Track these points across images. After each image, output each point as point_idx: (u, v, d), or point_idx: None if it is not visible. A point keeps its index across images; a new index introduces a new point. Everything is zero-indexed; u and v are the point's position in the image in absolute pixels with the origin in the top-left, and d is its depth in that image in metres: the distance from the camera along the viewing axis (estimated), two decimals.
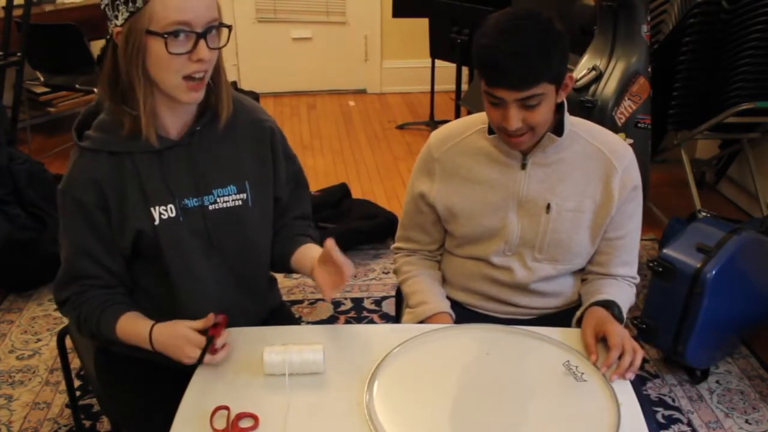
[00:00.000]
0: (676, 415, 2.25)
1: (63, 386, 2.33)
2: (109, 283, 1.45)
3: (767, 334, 2.57)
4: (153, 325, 1.38)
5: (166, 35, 1.23)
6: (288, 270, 1.57)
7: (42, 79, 4.36)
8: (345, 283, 1.34)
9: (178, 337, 1.34)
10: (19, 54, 3.80)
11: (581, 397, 1.25)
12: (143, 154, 1.37)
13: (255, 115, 1.51)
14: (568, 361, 1.34)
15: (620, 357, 1.32)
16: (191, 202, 1.42)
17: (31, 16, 3.77)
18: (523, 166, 1.53)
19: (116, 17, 1.25)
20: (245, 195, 1.46)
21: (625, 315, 1.53)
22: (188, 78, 1.29)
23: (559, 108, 1.49)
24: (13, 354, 2.55)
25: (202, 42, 1.26)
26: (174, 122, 1.39)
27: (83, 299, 1.43)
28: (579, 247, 1.57)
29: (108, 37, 1.31)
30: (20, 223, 2.84)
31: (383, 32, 5.55)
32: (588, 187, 1.53)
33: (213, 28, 1.28)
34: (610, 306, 1.47)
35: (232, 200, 1.45)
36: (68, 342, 1.80)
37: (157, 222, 1.39)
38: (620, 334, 1.35)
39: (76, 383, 2.32)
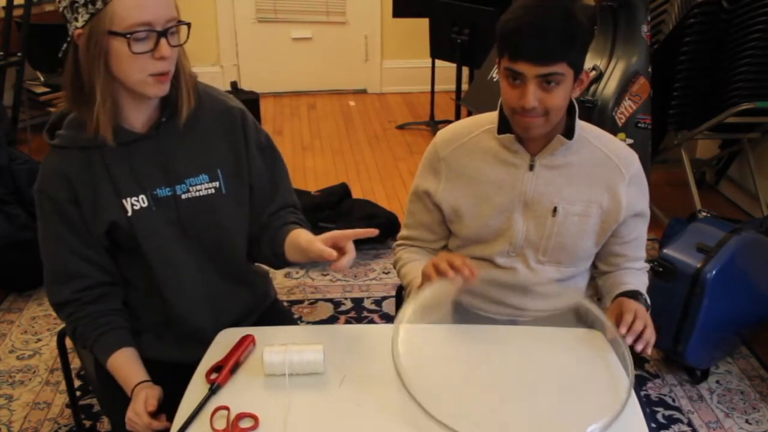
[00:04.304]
0: (676, 415, 2.25)
1: (63, 386, 2.33)
2: (99, 280, 1.47)
3: (767, 334, 2.57)
4: (139, 383, 1.41)
5: (128, 35, 1.25)
6: (288, 263, 1.54)
7: (42, 79, 4.36)
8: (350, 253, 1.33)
9: (133, 405, 1.37)
10: (19, 54, 3.79)
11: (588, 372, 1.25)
12: (112, 148, 1.39)
13: (224, 104, 1.51)
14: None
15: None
16: (163, 192, 1.44)
17: (31, 16, 3.76)
18: (531, 168, 1.52)
19: (76, 19, 1.28)
20: (218, 183, 1.48)
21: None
22: (152, 74, 1.31)
23: (570, 111, 1.50)
24: (13, 354, 2.55)
25: (163, 40, 1.29)
26: (139, 116, 1.41)
27: (81, 314, 1.46)
28: (583, 252, 1.57)
29: (68, 39, 1.33)
30: (20, 223, 2.84)
31: (383, 32, 5.54)
32: (595, 193, 1.53)
33: (173, 27, 1.31)
34: (636, 296, 1.51)
35: (205, 189, 1.47)
36: (68, 342, 1.80)
37: (129, 213, 1.41)
38: (636, 308, 1.40)
39: (76, 383, 2.32)
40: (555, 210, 1.52)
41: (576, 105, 1.50)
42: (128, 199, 1.41)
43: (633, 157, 1.55)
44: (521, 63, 1.37)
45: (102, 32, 1.26)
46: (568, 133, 1.50)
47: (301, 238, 1.46)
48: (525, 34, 1.36)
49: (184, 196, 1.45)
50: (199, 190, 1.46)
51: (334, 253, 1.32)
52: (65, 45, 1.34)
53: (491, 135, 1.55)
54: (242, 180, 1.52)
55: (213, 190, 1.47)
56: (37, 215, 1.44)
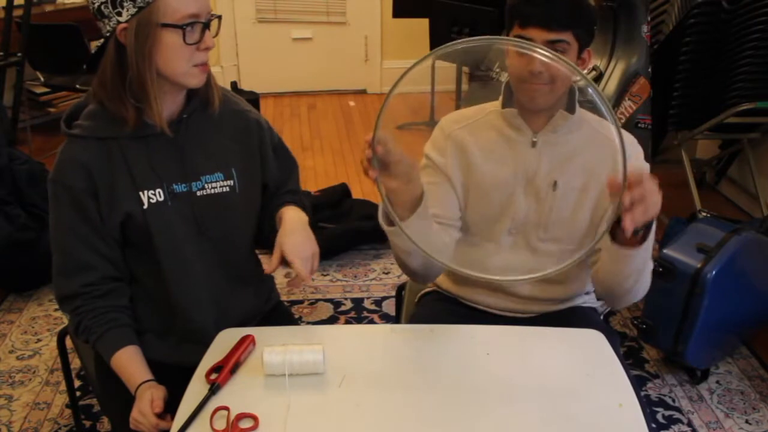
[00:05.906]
0: (676, 415, 2.25)
1: (63, 386, 2.33)
2: (108, 275, 1.46)
3: (767, 334, 2.57)
4: (145, 381, 1.40)
5: (184, 26, 1.31)
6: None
7: (42, 79, 4.36)
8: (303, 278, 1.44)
9: (139, 405, 1.36)
10: (19, 54, 3.79)
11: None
12: (131, 140, 1.41)
13: (239, 107, 1.56)
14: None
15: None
16: (179, 188, 1.45)
17: (31, 16, 3.76)
18: (534, 144, 1.55)
19: (119, 14, 1.30)
20: (232, 182, 1.50)
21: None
22: (196, 64, 1.36)
23: (571, 90, 1.54)
24: (13, 354, 2.55)
25: (207, 31, 1.35)
26: (163, 111, 1.42)
27: (88, 308, 1.45)
28: (582, 227, 1.57)
29: (107, 35, 1.33)
30: (20, 223, 2.84)
31: (383, 32, 5.54)
32: (595, 168, 1.55)
33: (211, 19, 1.37)
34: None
35: (220, 186, 1.49)
36: (68, 342, 1.80)
37: (145, 206, 1.42)
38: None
39: (76, 383, 2.32)
40: (555, 184, 1.55)
41: (576, 89, 1.54)
42: (145, 191, 1.42)
43: (633, 140, 1.57)
44: (531, 29, 1.44)
45: (153, 24, 1.29)
46: (570, 109, 1.54)
47: (283, 217, 1.50)
48: (536, 2, 1.44)
49: (199, 193, 1.47)
50: (214, 188, 1.48)
51: (271, 268, 1.45)
52: (103, 41, 1.35)
53: (495, 115, 1.60)
54: (255, 180, 1.55)
55: (227, 188, 1.50)
56: (50, 207, 1.43)
